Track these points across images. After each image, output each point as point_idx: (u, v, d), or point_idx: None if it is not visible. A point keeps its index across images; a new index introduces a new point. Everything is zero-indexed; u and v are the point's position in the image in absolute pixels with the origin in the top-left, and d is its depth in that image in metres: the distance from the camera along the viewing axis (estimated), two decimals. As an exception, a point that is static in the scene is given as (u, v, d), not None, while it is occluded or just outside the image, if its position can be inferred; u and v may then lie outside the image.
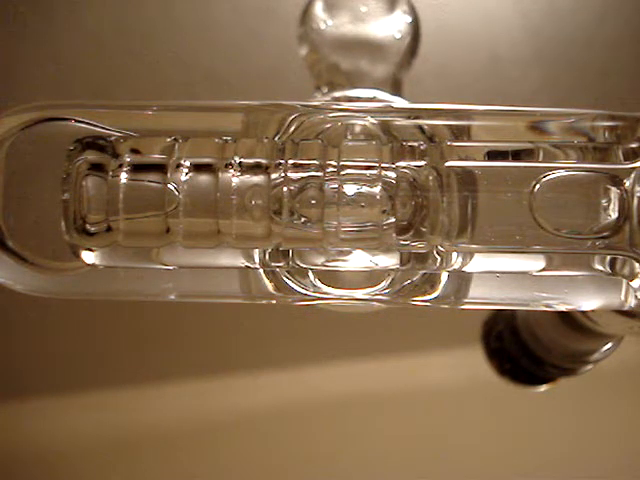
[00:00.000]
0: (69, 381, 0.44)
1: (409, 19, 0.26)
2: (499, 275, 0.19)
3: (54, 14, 0.42)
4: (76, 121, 0.19)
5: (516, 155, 0.18)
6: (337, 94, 0.26)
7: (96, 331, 0.44)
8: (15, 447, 0.43)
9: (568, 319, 0.24)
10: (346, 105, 0.20)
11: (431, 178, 0.18)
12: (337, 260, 0.19)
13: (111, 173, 0.18)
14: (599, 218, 0.17)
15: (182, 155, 0.18)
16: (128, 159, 0.18)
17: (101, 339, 0.44)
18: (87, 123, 0.19)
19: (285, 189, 0.17)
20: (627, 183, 0.17)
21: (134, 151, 0.18)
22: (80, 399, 0.44)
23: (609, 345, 0.25)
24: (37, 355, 0.44)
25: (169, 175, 0.18)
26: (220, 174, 0.18)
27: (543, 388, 0.29)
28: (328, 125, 0.19)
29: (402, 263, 0.19)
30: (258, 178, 0.18)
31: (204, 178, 0.18)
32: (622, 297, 0.18)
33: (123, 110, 0.19)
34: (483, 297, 0.19)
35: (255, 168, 0.18)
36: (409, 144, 0.18)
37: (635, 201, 0.17)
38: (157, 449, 0.43)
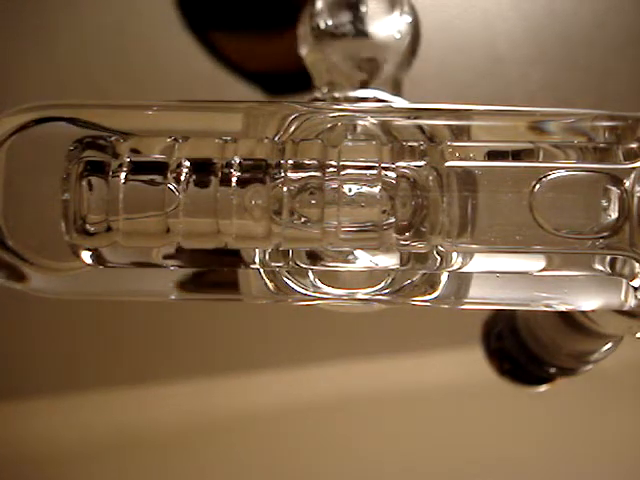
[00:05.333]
0: (69, 381, 0.44)
1: (409, 19, 0.26)
2: (499, 275, 0.19)
3: (53, 13, 0.42)
4: (76, 121, 0.19)
5: (516, 155, 0.18)
6: (337, 94, 0.26)
7: (96, 331, 0.44)
8: (14, 447, 0.43)
9: (568, 319, 0.24)
10: (346, 105, 0.20)
11: (431, 178, 0.18)
12: (337, 260, 0.19)
13: (111, 173, 0.18)
14: (599, 218, 0.17)
15: (182, 155, 0.18)
16: (128, 159, 0.18)
17: (101, 339, 0.44)
18: (87, 123, 0.19)
19: (285, 189, 0.18)
20: (627, 183, 0.17)
21: (134, 151, 0.18)
22: (80, 399, 0.44)
23: (609, 345, 0.25)
24: (37, 355, 0.44)
25: (169, 175, 0.18)
26: (220, 174, 0.18)
27: (543, 388, 0.29)
28: (328, 125, 0.19)
29: (402, 263, 0.19)
30: (258, 178, 0.18)
31: (204, 178, 0.18)
32: (622, 297, 0.18)
33: (123, 110, 0.19)
34: (483, 297, 0.19)
35: (255, 168, 0.18)
36: (409, 144, 0.18)
37: (635, 201, 0.17)
38: (157, 449, 0.43)
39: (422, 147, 0.18)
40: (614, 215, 0.17)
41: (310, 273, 0.19)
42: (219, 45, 0.39)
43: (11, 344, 0.43)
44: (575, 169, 0.18)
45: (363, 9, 0.26)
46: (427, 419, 0.44)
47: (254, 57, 0.39)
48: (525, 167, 0.18)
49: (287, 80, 0.39)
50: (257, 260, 0.19)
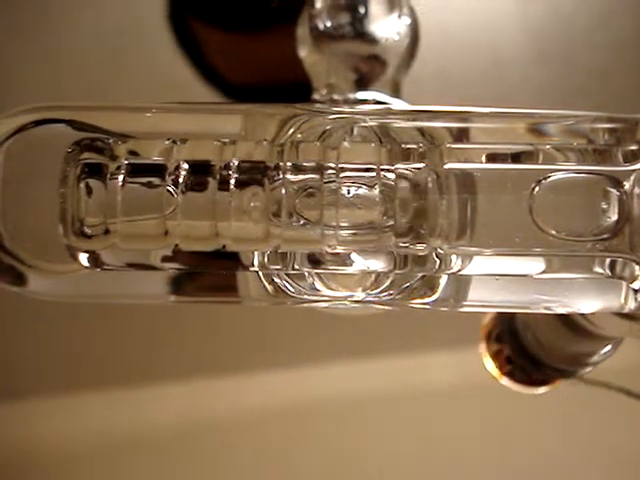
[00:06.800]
0: (69, 381, 0.44)
1: (408, 21, 0.26)
2: (498, 278, 0.19)
3: (53, 14, 0.41)
4: (74, 123, 0.19)
5: (516, 157, 0.18)
6: (336, 96, 0.26)
7: (96, 331, 0.44)
8: (14, 447, 0.43)
9: (568, 321, 0.24)
10: (345, 107, 0.20)
11: (430, 180, 0.18)
12: (336, 262, 0.19)
13: (109, 176, 0.18)
14: (599, 220, 0.17)
15: (180, 157, 0.18)
16: (126, 161, 0.18)
17: (101, 339, 0.44)
18: (85, 125, 0.19)
19: (284, 191, 0.17)
20: (627, 185, 0.17)
21: (132, 153, 0.18)
22: (80, 399, 0.44)
23: (608, 347, 0.25)
24: (37, 355, 0.44)
25: (167, 177, 0.18)
26: (218, 176, 0.18)
27: (542, 390, 0.29)
28: (327, 127, 0.19)
29: (401, 265, 0.19)
30: (257, 180, 0.18)
31: (202, 180, 0.18)
32: (622, 299, 0.18)
33: (122, 112, 0.19)
34: (482, 300, 0.19)
35: (254, 170, 0.18)
36: (408, 146, 0.18)
37: (635, 203, 0.17)
38: (156, 449, 0.43)
39: (421, 149, 0.18)
40: (614, 217, 0.17)
41: (309, 275, 0.19)
42: (200, 37, 0.39)
43: (11, 344, 0.43)
44: (574, 171, 0.18)
45: (362, 10, 0.26)
46: (427, 419, 0.44)
47: (239, 61, 0.39)
48: (524, 169, 0.18)
49: (272, 94, 0.38)
50: (256, 262, 0.19)
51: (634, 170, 0.17)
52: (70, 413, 0.44)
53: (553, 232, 0.17)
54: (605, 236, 0.17)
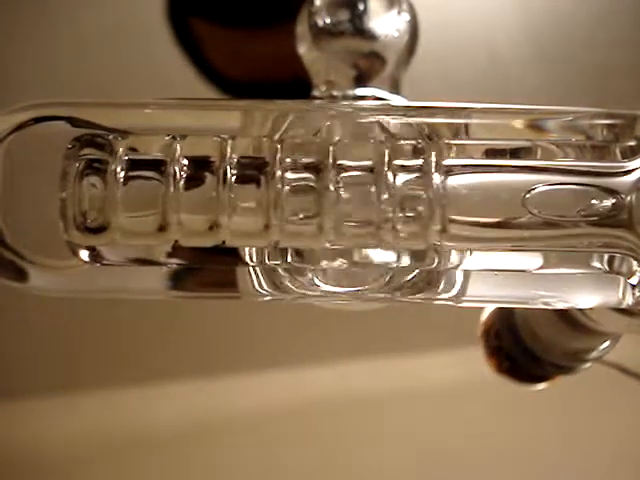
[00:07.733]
0: (69, 381, 0.44)
1: (407, 17, 0.26)
2: (497, 273, 0.19)
3: (52, 13, 0.42)
4: (74, 120, 0.19)
5: (514, 153, 0.18)
6: (335, 92, 0.26)
7: (96, 331, 0.44)
8: (14, 447, 0.43)
9: (566, 317, 0.24)
10: (344, 103, 0.20)
11: (429, 176, 0.18)
12: (335, 258, 0.19)
13: (109, 171, 0.18)
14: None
15: (180, 153, 0.18)
16: (126, 157, 0.18)
17: (101, 339, 0.44)
18: (85, 121, 0.19)
19: (283, 187, 0.18)
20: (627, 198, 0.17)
21: (132, 149, 0.18)
22: (80, 399, 0.44)
23: (607, 343, 0.25)
24: (37, 355, 0.44)
25: (167, 173, 0.18)
26: (218, 172, 0.18)
27: (541, 386, 0.29)
28: (326, 123, 0.19)
29: (400, 261, 0.19)
30: (256, 176, 0.18)
31: (202, 176, 0.18)
32: (620, 295, 0.18)
33: (121, 108, 0.19)
34: (481, 295, 0.19)
35: (253, 166, 0.18)
36: (407, 142, 0.18)
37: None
38: (156, 449, 0.43)
39: (420, 145, 0.18)
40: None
41: (308, 271, 0.19)
42: (199, 34, 0.39)
43: (11, 344, 0.43)
44: (565, 182, 0.17)
45: (361, 7, 0.26)
46: (427, 419, 0.44)
47: (237, 57, 0.39)
48: (515, 181, 0.18)
49: (271, 91, 0.38)
50: (255, 258, 0.19)
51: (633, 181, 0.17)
52: (69, 413, 0.44)
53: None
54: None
